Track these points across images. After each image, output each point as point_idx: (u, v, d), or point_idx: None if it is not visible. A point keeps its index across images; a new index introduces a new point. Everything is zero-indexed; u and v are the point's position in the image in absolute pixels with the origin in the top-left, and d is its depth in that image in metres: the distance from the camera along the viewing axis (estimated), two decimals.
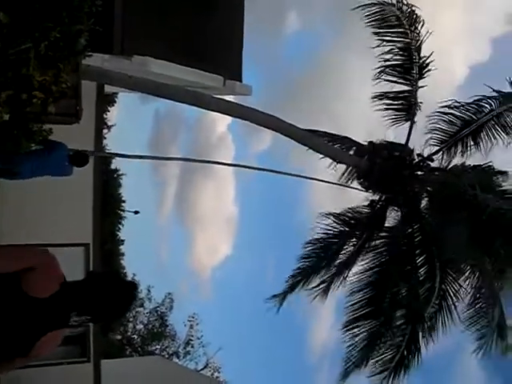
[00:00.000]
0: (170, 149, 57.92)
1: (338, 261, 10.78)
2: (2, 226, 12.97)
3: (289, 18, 55.74)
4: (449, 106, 10.60)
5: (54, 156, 7.71)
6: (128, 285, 3.68)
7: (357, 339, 10.25)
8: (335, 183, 10.70)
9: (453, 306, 10.01)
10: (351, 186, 10.93)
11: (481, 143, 10.68)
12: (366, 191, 10.76)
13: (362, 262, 10.64)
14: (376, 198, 10.86)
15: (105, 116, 28.60)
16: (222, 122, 61.47)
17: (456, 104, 10.58)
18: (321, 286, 10.82)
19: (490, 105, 10.45)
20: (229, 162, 11.49)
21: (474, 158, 10.89)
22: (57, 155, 7.74)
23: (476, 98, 10.50)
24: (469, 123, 10.63)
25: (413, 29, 10.31)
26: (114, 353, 29.54)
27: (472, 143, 10.73)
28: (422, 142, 10.84)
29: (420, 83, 10.67)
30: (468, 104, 10.57)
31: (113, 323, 27.15)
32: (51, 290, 3.25)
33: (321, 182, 10.67)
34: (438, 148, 10.83)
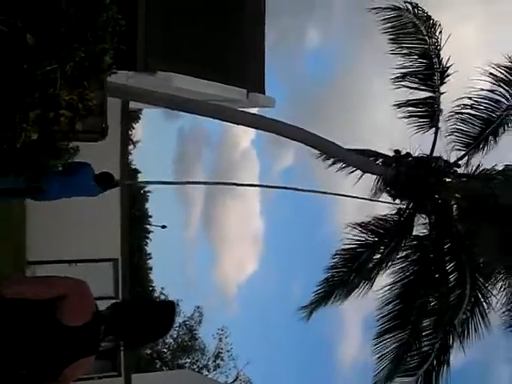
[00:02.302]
0: (194, 165, 58.38)
1: (367, 270, 10.68)
2: (30, 243, 13.17)
3: (309, 34, 56.10)
4: (464, 105, 10.54)
5: (80, 175, 7.81)
6: (163, 308, 3.67)
7: (386, 351, 10.14)
8: (360, 197, 10.63)
9: (485, 312, 9.89)
10: (376, 199, 10.83)
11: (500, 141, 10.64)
12: (394, 200, 10.69)
13: (391, 274, 10.55)
14: (403, 206, 10.78)
15: (130, 132, 28.89)
16: (246, 138, 61.89)
17: (470, 102, 10.52)
18: (348, 296, 10.75)
19: (507, 99, 10.40)
20: (255, 183, 11.81)
21: (499, 157, 10.81)
22: (83, 174, 7.84)
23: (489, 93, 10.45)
24: (490, 122, 10.55)
25: (431, 35, 10.28)
26: (144, 367, 29.66)
27: (494, 142, 10.66)
28: (448, 148, 10.77)
29: (442, 89, 10.64)
30: (483, 100, 10.50)
31: (147, 346, 27.14)
32: (83, 320, 3.31)
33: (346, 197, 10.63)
34: (463, 152, 10.74)
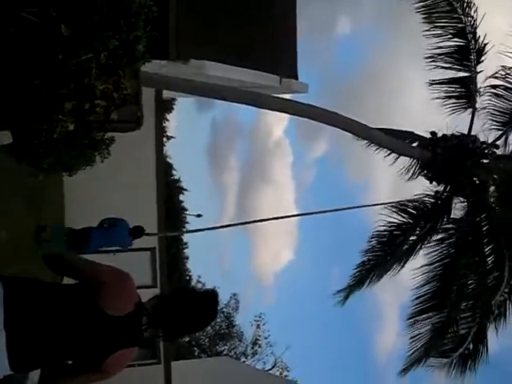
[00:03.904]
0: (227, 155, 58.60)
1: (403, 252, 10.60)
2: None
3: (340, 20, 55.60)
4: (497, 76, 10.26)
5: (119, 228, 9.33)
6: (206, 299, 3.58)
7: (421, 332, 10.07)
8: (387, 203, 10.62)
9: None
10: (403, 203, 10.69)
11: None
12: (430, 182, 10.56)
13: (428, 255, 10.45)
14: (440, 188, 10.64)
15: (164, 124, 28.97)
16: (278, 127, 61.68)
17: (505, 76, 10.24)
18: (384, 278, 10.69)
19: None
20: (291, 214, 12.80)
21: None
22: (120, 228, 9.36)
23: None
24: None
25: (466, 13, 10.05)
26: (183, 354, 29.97)
27: None
28: (486, 129, 10.59)
29: (478, 68, 10.42)
30: None
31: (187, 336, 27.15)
32: (126, 310, 3.29)
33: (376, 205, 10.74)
34: (501, 132, 10.53)
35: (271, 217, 11.12)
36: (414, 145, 10.75)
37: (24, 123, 7.04)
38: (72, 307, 3.21)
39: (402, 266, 10.61)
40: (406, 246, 10.62)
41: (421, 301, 10.17)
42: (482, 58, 10.25)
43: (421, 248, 10.62)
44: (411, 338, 10.05)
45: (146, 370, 14.44)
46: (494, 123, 10.53)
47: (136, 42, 5.96)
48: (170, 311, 3.44)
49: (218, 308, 3.69)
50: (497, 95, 10.42)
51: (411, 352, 10.06)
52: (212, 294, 3.63)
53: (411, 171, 10.86)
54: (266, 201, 58.41)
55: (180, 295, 3.59)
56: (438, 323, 9.99)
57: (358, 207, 11.04)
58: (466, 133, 10.52)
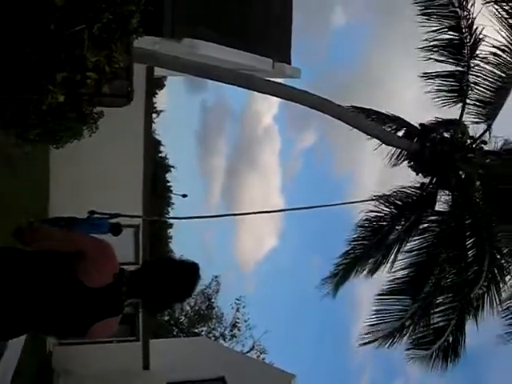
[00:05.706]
0: (216, 139, 58.41)
1: (387, 242, 10.64)
2: (52, 211, 13.31)
3: (335, 12, 55.40)
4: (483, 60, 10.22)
5: (100, 226, 10.45)
6: (187, 269, 3.57)
7: (387, 309, 10.13)
8: (371, 199, 10.66)
9: (501, 290, 9.83)
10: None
11: None
12: (417, 174, 10.60)
13: (410, 243, 10.51)
14: (426, 180, 10.69)
15: (154, 100, 28.79)
16: (268, 113, 61.54)
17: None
18: (369, 268, 10.73)
19: None
20: (276, 209, 12.94)
21: None
22: (102, 226, 10.48)
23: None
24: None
25: (463, 7, 10.01)
26: (161, 333, 30.04)
27: None
28: (474, 124, 10.60)
29: (472, 63, 10.38)
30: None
31: (167, 309, 27.12)
32: (104, 282, 3.28)
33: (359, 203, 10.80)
34: (487, 125, 10.51)
35: (257, 211, 11.37)
36: (401, 133, 10.77)
37: (12, 92, 6.97)
38: (51, 277, 3.19)
39: (388, 258, 10.65)
40: (391, 237, 10.68)
41: (395, 283, 10.24)
42: (476, 53, 10.21)
43: (406, 239, 10.66)
44: (376, 311, 10.11)
45: (125, 347, 14.49)
46: (480, 116, 10.53)
47: (130, 16, 5.90)
48: (149, 279, 3.43)
49: (198, 281, 3.66)
50: (485, 88, 10.39)
51: (373, 327, 10.13)
52: (193, 266, 3.62)
53: (398, 161, 10.92)
54: (252, 186, 58.46)
55: (161, 264, 3.58)
56: (410, 309, 10.04)
57: (343, 203, 11.07)
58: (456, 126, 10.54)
